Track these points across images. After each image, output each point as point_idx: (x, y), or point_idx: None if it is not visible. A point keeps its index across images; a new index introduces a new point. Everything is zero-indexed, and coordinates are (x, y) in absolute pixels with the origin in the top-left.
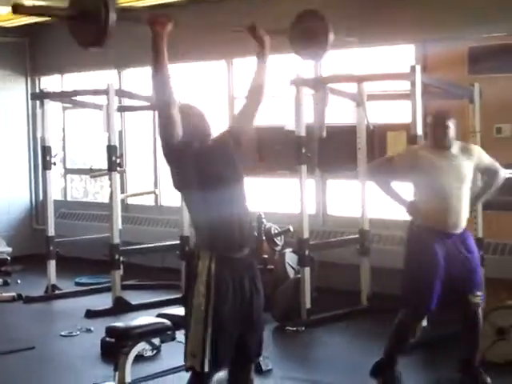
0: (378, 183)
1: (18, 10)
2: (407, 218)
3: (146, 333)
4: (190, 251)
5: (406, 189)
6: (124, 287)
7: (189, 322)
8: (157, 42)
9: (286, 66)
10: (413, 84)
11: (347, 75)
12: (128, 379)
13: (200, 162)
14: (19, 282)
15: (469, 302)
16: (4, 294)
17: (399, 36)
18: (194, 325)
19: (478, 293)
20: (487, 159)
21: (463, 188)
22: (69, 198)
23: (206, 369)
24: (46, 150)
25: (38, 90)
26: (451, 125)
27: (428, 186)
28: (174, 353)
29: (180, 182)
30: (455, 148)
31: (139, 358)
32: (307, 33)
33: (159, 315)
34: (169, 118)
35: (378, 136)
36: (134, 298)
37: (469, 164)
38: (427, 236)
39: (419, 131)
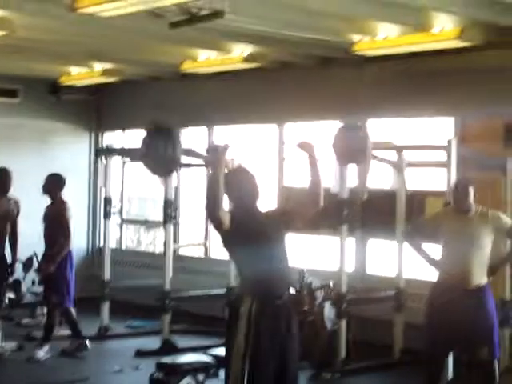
0: (410, 243)
1: None
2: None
3: (193, 369)
4: (235, 295)
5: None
6: (171, 331)
7: (229, 358)
8: (216, 169)
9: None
10: (449, 156)
11: (388, 144)
12: None
13: (247, 223)
14: None
15: (477, 357)
16: (60, 332)
17: (439, 109)
18: (234, 361)
19: (487, 351)
20: (508, 223)
21: (475, 250)
22: (123, 247)
23: None
24: (108, 201)
25: (100, 146)
26: (471, 190)
27: (445, 247)
28: None
29: (228, 243)
30: (474, 213)
31: None
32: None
33: (205, 354)
34: (216, 219)
35: (416, 201)
36: (181, 341)
37: (484, 228)
38: (441, 292)
39: None
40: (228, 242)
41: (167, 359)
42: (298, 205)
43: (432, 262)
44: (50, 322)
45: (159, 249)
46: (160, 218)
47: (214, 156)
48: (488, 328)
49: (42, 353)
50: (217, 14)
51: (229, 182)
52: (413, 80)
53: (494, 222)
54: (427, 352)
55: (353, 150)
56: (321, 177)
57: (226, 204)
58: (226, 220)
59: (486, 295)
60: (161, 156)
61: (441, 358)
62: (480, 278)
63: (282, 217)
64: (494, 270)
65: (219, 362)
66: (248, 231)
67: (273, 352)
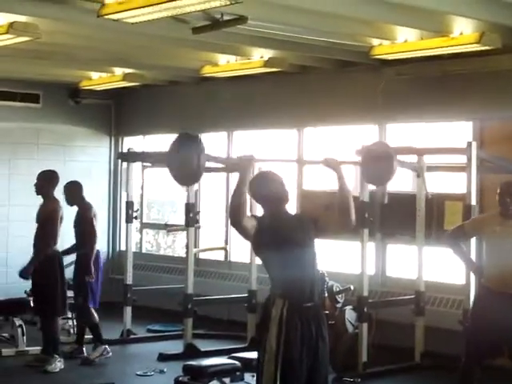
0: (452, 248)
1: None
2: (463, 281)
3: (219, 372)
4: (266, 299)
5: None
6: (192, 335)
7: (262, 362)
8: (242, 178)
9: (352, 136)
10: (469, 159)
11: (409, 148)
12: None
13: (276, 227)
14: None
15: None
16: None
17: (457, 113)
18: (266, 364)
19: None
20: None
21: None
22: (143, 251)
23: None
24: (129, 205)
25: (120, 150)
26: None
27: (489, 251)
28: None
29: (258, 247)
30: None
31: None
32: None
33: (230, 357)
34: (240, 227)
35: (435, 204)
36: (203, 345)
37: None
38: (484, 296)
39: (473, 202)
40: (257, 246)
41: (193, 362)
42: (331, 223)
43: (474, 268)
44: (88, 322)
45: (178, 252)
46: (180, 222)
47: (242, 162)
48: None
49: (97, 353)
50: (240, 20)
51: (257, 185)
52: (431, 84)
53: None
54: (467, 355)
55: None
56: (350, 196)
57: (249, 211)
58: (250, 226)
59: None
60: (187, 165)
61: (480, 361)
62: None
63: (313, 224)
64: None
65: (245, 365)
66: (277, 235)
67: (304, 354)
